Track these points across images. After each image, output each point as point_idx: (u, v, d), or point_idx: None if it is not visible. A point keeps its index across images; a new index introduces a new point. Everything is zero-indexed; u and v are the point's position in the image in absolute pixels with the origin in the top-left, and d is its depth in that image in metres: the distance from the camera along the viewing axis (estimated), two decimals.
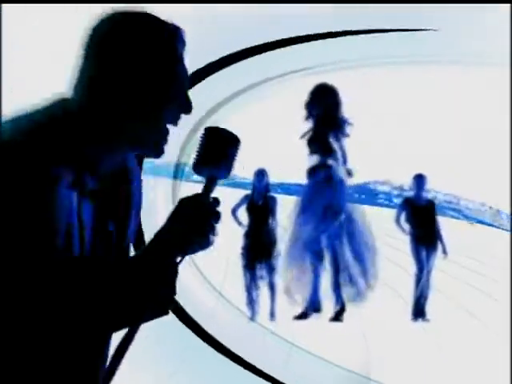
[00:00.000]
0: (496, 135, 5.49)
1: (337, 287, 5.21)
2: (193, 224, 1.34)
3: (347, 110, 5.28)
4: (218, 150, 1.38)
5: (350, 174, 5.42)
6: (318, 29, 4.82)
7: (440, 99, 5.63)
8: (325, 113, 5.35)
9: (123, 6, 1.41)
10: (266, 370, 3.81)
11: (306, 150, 5.41)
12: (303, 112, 5.37)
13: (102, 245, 1.38)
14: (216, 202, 1.38)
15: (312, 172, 5.36)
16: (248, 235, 5.60)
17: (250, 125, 5.56)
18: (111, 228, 1.39)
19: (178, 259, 1.36)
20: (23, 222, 1.22)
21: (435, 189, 6.30)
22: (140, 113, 1.34)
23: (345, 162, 5.35)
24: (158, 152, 1.39)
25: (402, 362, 4.16)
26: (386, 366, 4.19)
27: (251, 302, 5.41)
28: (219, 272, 5.88)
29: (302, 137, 5.30)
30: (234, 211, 5.63)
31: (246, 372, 3.89)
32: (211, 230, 1.36)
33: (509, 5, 4.05)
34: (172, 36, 1.36)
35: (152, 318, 1.33)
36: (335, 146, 5.26)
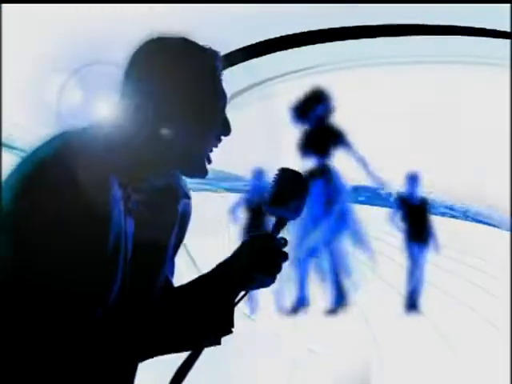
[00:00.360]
0: (496, 135, 5.50)
1: (337, 285, 5.25)
2: (260, 263, 1.36)
3: (350, 111, 5.29)
4: (291, 192, 1.40)
5: (383, 186, 5.48)
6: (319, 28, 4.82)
7: (440, 99, 5.64)
8: (321, 115, 5.38)
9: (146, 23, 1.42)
10: (269, 371, 3.81)
11: (302, 151, 5.44)
12: (299, 113, 5.40)
13: (142, 261, 1.38)
14: (284, 242, 1.39)
15: (310, 174, 5.38)
16: (247, 235, 5.59)
17: (249, 125, 5.57)
18: (150, 245, 1.39)
19: (241, 294, 1.37)
20: (83, 227, 1.22)
21: (434, 188, 6.32)
22: (184, 136, 1.35)
23: (369, 172, 5.38)
24: (201, 174, 1.40)
25: (401, 358, 4.17)
26: (386, 362, 4.20)
27: (250, 298, 5.47)
28: None
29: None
30: (233, 211, 5.65)
31: (248, 372, 3.89)
32: (278, 270, 1.37)
33: (509, 5, 4.05)
34: (212, 60, 1.38)
35: (204, 347, 1.33)
36: (348, 151, 5.29)
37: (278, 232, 1.39)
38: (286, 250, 1.39)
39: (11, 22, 3.66)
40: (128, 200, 1.31)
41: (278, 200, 1.40)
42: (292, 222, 1.51)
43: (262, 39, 4.81)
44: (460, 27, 4.69)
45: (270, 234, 1.38)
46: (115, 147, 1.33)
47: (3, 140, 3.56)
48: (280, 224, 1.40)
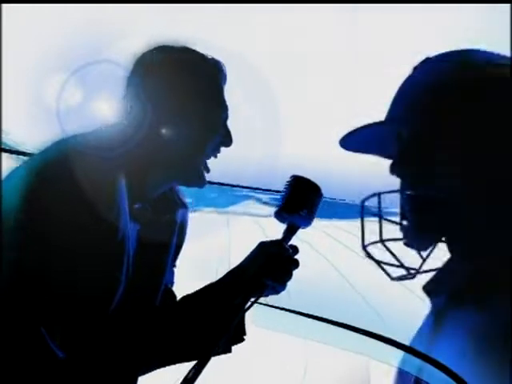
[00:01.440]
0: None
1: None
2: (271, 270, 1.36)
3: None
4: (302, 199, 1.40)
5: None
6: None
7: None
8: None
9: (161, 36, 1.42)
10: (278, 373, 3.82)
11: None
12: None
13: (145, 264, 1.38)
14: (295, 250, 1.39)
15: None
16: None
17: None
18: (151, 250, 1.40)
19: (251, 301, 1.37)
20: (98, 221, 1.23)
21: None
22: (183, 144, 1.36)
23: None
24: (200, 183, 1.41)
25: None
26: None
27: None
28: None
29: None
30: None
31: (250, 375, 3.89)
32: (288, 277, 1.38)
33: (509, 5, 4.05)
34: (214, 70, 1.39)
35: (214, 355, 1.33)
36: None
37: (289, 239, 1.39)
38: (296, 257, 1.39)
39: (11, 22, 3.66)
40: (132, 205, 1.32)
41: (291, 207, 1.39)
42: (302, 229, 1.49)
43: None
44: None
45: (281, 242, 1.38)
46: (119, 152, 1.34)
47: (3, 140, 3.57)
48: (291, 231, 1.40)
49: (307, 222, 1.40)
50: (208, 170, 1.39)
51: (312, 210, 1.39)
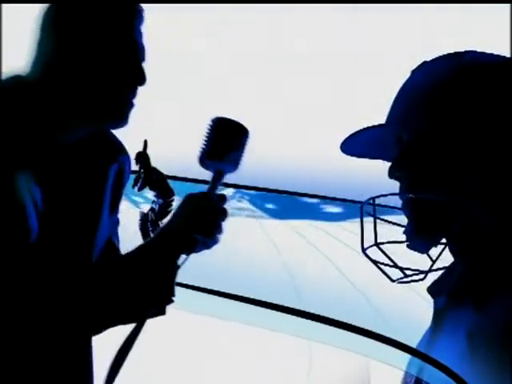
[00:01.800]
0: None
1: None
2: (199, 223, 1.30)
3: None
4: (226, 142, 1.29)
5: None
6: None
7: None
8: None
9: None
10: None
11: None
12: None
13: (70, 217, 1.34)
14: (222, 199, 1.33)
15: None
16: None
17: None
18: (75, 200, 1.35)
19: (183, 257, 1.32)
20: None
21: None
22: (90, 82, 1.32)
23: None
24: (118, 122, 1.36)
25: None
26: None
27: None
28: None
29: None
30: None
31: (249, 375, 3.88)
32: (218, 229, 1.31)
33: (509, 5, 4.04)
34: (125, 9, 1.35)
35: (147, 317, 1.28)
36: None
37: (216, 188, 1.32)
38: (225, 206, 1.33)
39: (11, 22, 3.65)
40: (41, 149, 1.27)
41: (216, 152, 1.30)
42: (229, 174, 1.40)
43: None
44: None
45: (206, 193, 1.31)
46: (21, 102, 1.31)
47: None
48: (218, 179, 1.33)
49: (234, 166, 1.32)
50: (132, 106, 1.34)
51: (239, 154, 1.30)
